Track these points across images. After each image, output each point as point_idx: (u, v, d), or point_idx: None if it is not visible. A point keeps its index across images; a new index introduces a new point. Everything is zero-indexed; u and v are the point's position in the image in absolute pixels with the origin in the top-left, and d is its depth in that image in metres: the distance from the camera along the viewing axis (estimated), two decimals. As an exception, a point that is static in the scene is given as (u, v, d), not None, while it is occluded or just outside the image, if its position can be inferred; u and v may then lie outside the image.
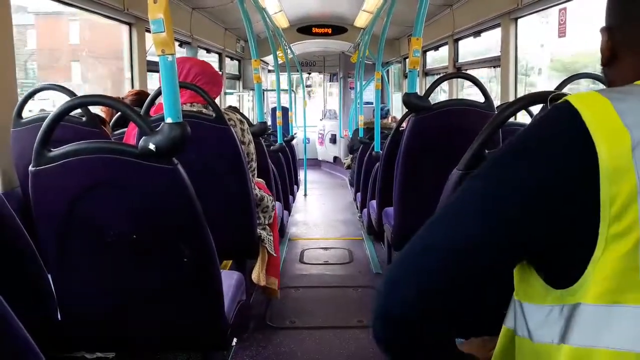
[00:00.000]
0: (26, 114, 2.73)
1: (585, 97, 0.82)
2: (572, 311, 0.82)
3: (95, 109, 3.47)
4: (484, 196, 0.86)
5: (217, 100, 2.72)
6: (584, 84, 3.44)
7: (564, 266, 0.84)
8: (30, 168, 1.74)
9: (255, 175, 3.06)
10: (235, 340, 2.31)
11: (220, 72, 8.00)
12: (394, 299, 0.85)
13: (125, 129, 2.94)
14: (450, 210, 0.89)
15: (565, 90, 2.99)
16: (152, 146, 1.68)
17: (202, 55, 7.09)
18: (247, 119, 4.59)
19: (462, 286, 0.85)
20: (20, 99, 2.71)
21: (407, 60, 9.19)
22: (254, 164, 2.95)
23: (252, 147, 2.92)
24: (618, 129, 0.78)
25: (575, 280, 0.82)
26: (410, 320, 0.85)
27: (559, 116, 0.83)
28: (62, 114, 1.76)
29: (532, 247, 0.85)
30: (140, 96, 3.49)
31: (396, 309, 0.85)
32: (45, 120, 1.74)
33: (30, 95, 2.71)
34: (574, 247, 0.82)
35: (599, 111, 0.80)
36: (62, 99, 2.65)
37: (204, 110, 2.69)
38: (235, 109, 5.39)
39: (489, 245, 0.84)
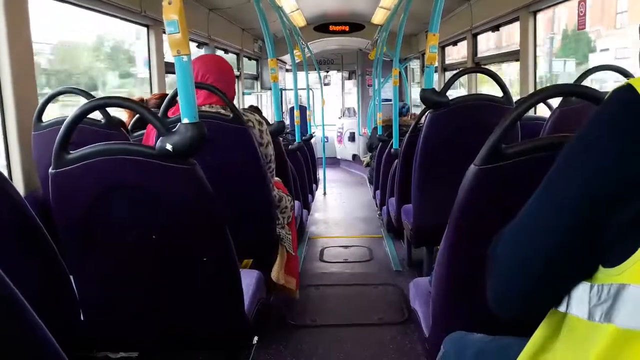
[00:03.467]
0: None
1: None
2: (618, 291, 0.82)
3: (119, 111, 3.51)
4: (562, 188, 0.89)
5: (235, 101, 2.72)
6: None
7: (616, 244, 0.83)
8: (51, 170, 1.75)
9: (274, 176, 3.06)
10: (256, 338, 2.32)
11: (239, 73, 8.02)
12: (505, 310, 1.03)
13: (144, 131, 2.96)
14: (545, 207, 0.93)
15: (585, 82, 2.97)
16: (169, 147, 1.69)
17: (219, 54, 7.11)
18: (266, 120, 4.60)
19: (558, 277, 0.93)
20: (40, 102, 2.74)
21: (425, 56, 9.15)
22: (273, 165, 2.95)
23: (270, 148, 2.91)
24: None
25: (625, 259, 0.81)
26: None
27: (622, 104, 0.83)
28: (81, 115, 1.78)
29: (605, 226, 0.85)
30: (164, 99, 3.51)
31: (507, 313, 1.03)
32: (65, 122, 1.76)
33: (50, 99, 2.74)
34: (630, 224, 0.81)
35: None
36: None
37: (222, 111, 2.69)
38: (256, 109, 5.40)
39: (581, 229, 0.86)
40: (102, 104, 2.04)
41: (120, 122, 2.99)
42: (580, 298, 0.90)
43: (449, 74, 7.92)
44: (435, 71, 3.28)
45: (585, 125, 0.87)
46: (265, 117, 4.92)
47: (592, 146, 0.84)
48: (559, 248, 0.89)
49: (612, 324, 0.83)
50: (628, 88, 0.82)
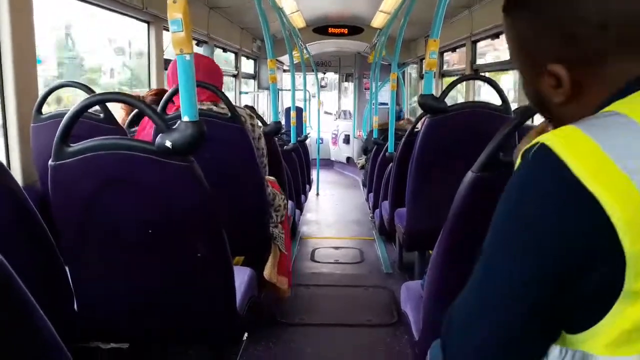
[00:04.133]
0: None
1: (567, 141, 0.76)
2: (585, 359, 0.80)
3: (116, 107, 3.52)
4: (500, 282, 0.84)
5: (231, 100, 2.73)
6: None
7: (579, 314, 0.80)
8: (50, 162, 1.77)
9: (267, 172, 3.07)
10: (246, 335, 2.34)
11: (236, 72, 8.03)
12: None
13: None
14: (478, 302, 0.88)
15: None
16: (168, 144, 1.71)
17: (219, 53, 7.13)
18: (261, 118, 4.61)
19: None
20: (40, 94, 2.74)
21: (423, 61, 9.17)
22: (265, 160, 2.96)
23: (262, 141, 2.92)
24: (618, 179, 0.72)
25: (588, 328, 0.79)
26: None
27: (548, 175, 0.77)
28: (82, 110, 1.79)
29: (562, 306, 0.81)
30: (161, 95, 3.52)
31: None
32: (65, 116, 1.77)
33: (50, 92, 2.74)
34: (592, 297, 0.77)
35: (589, 159, 0.74)
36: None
37: (214, 108, 2.71)
38: (251, 109, 5.41)
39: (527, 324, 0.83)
40: (104, 99, 2.05)
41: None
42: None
43: (446, 80, 7.93)
44: (434, 77, 3.30)
45: (512, 198, 0.83)
46: (262, 116, 4.95)
47: (527, 227, 0.79)
48: (518, 325, 0.83)
49: None
50: (543, 151, 0.78)
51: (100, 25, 4.49)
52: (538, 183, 0.78)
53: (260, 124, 2.93)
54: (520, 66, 0.97)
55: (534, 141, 0.79)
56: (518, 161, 0.83)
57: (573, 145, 0.75)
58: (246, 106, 5.64)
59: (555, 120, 0.95)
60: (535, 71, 0.92)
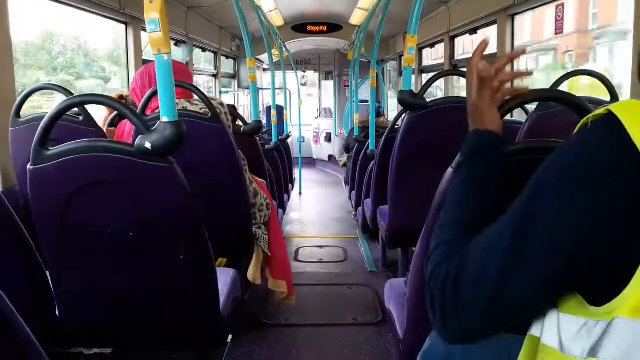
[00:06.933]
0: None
1: (630, 109, 0.80)
2: (606, 327, 0.80)
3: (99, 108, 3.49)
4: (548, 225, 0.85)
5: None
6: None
7: (602, 285, 0.81)
8: (29, 166, 1.75)
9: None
10: (230, 337, 2.33)
11: (216, 71, 8.00)
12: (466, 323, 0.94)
13: None
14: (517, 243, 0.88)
15: (562, 87, 3.00)
16: (148, 145, 1.69)
17: (197, 53, 7.10)
18: (242, 118, 4.60)
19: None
20: (18, 98, 2.71)
21: (402, 57, 9.18)
22: None
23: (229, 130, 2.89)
24: None
25: (612, 299, 0.79)
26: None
27: (609, 137, 0.81)
28: (61, 112, 1.77)
29: (589, 270, 0.83)
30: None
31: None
32: (44, 119, 1.75)
33: (28, 95, 2.71)
34: (617, 267, 0.79)
35: None
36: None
37: (189, 106, 2.70)
38: (232, 108, 5.38)
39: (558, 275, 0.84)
40: (82, 101, 2.03)
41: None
42: (561, 330, 0.87)
43: (425, 76, 7.96)
44: (412, 73, 3.30)
45: (567, 160, 0.85)
46: (243, 116, 4.93)
47: (583, 181, 0.82)
48: (550, 276, 0.85)
49: (594, 359, 0.81)
50: (609, 119, 0.81)
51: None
52: (601, 144, 0.82)
53: (226, 109, 2.88)
54: None
55: (601, 109, 0.83)
56: (578, 127, 0.88)
57: (635, 113, 0.79)
58: (228, 105, 5.62)
59: None
60: None
